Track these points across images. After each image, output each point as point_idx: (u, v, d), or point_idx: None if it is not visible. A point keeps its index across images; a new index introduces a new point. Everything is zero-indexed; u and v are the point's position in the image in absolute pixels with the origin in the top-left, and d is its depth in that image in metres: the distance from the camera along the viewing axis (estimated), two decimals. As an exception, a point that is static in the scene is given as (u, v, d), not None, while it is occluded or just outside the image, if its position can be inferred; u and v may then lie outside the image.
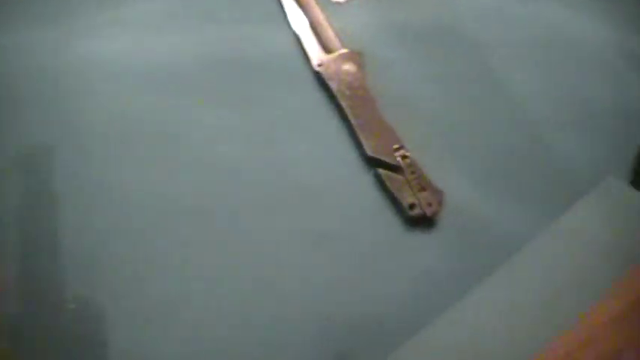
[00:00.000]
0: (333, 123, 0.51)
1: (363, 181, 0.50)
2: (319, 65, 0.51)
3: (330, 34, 0.53)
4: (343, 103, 0.50)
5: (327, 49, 0.52)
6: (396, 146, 0.50)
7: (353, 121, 0.50)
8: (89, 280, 0.44)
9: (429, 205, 0.48)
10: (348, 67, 0.52)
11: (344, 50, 0.52)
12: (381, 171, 0.49)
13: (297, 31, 0.53)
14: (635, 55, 0.59)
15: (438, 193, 0.49)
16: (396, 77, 0.53)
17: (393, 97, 0.52)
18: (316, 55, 0.52)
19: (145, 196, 0.48)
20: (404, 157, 0.49)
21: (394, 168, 0.49)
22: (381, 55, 0.54)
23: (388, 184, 0.49)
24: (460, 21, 0.57)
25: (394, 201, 0.49)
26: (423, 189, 0.49)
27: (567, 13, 0.60)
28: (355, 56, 0.52)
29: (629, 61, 0.58)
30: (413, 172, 0.49)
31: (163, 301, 0.44)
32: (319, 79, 0.52)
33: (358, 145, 0.50)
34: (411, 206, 0.48)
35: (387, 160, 0.49)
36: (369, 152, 0.49)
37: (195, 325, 0.43)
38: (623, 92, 0.57)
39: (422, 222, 0.49)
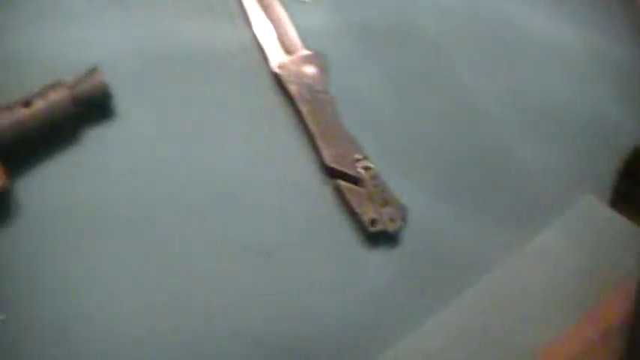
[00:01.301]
0: (291, 128, 0.47)
1: (321, 192, 0.46)
2: (279, 67, 0.48)
3: (292, 34, 0.49)
4: (303, 108, 0.47)
5: (288, 50, 0.48)
6: (357, 156, 0.46)
7: (312, 127, 0.46)
8: None
9: (392, 221, 0.45)
10: (309, 69, 0.48)
11: (306, 52, 0.49)
12: (340, 182, 0.46)
13: (257, 30, 0.49)
14: (607, 60, 0.56)
15: (401, 209, 0.46)
16: (359, 82, 0.50)
17: (355, 102, 0.49)
18: (276, 56, 0.48)
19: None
20: (366, 168, 0.46)
21: (355, 180, 0.46)
22: (344, 58, 0.50)
23: (348, 197, 0.45)
24: (423, 20, 0.53)
25: (354, 215, 0.45)
26: (385, 203, 0.45)
27: (535, 14, 0.56)
28: (318, 58, 0.48)
29: (602, 66, 0.55)
30: (376, 186, 0.45)
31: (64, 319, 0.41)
32: (278, 81, 0.48)
33: (317, 153, 0.46)
34: (373, 222, 0.45)
35: (348, 171, 0.46)
36: (329, 162, 0.46)
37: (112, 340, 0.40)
38: (597, 100, 0.54)
39: (382, 238, 0.46)
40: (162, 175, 0.46)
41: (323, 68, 0.48)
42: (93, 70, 0.46)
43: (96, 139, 0.46)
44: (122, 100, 0.47)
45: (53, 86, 0.44)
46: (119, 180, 0.45)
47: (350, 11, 0.52)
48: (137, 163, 0.46)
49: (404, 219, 0.45)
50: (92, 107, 0.46)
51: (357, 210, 0.45)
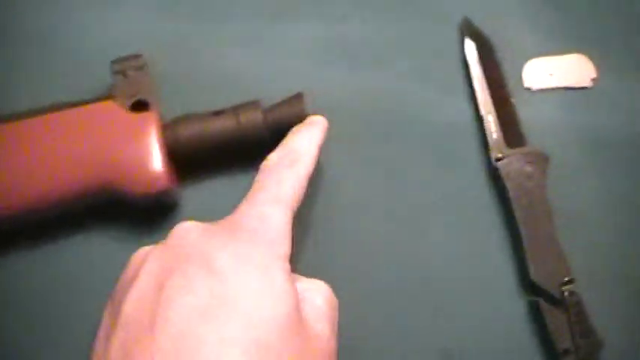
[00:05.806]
0: (498, 229, 0.44)
1: (516, 306, 0.44)
2: (498, 159, 0.44)
3: (517, 124, 0.45)
4: (517, 213, 0.43)
5: (510, 142, 0.45)
6: (565, 278, 0.42)
7: (524, 236, 0.43)
8: None
9: (587, 356, 0.42)
10: (530, 169, 0.44)
11: (529, 148, 0.45)
12: (541, 302, 0.42)
13: (483, 111, 0.46)
14: None
15: (598, 345, 0.42)
16: (579, 194, 0.46)
17: (571, 216, 0.45)
18: (497, 145, 0.45)
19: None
20: (571, 293, 0.42)
21: (556, 302, 0.42)
22: (566, 163, 0.46)
23: (546, 319, 0.42)
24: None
25: (546, 339, 0.42)
26: (583, 336, 0.42)
27: None
28: (541, 159, 0.45)
29: None
30: (577, 314, 0.42)
31: None
32: (495, 173, 0.45)
33: (522, 264, 0.43)
34: (565, 352, 0.42)
35: (552, 291, 0.42)
36: (534, 277, 0.43)
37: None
38: None
39: (571, 371, 0.43)
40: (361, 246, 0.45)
41: (544, 171, 0.45)
42: (298, 96, 0.43)
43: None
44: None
45: (249, 104, 0.43)
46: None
47: (579, 112, 0.48)
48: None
49: (597, 356, 0.42)
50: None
51: (552, 335, 0.42)
